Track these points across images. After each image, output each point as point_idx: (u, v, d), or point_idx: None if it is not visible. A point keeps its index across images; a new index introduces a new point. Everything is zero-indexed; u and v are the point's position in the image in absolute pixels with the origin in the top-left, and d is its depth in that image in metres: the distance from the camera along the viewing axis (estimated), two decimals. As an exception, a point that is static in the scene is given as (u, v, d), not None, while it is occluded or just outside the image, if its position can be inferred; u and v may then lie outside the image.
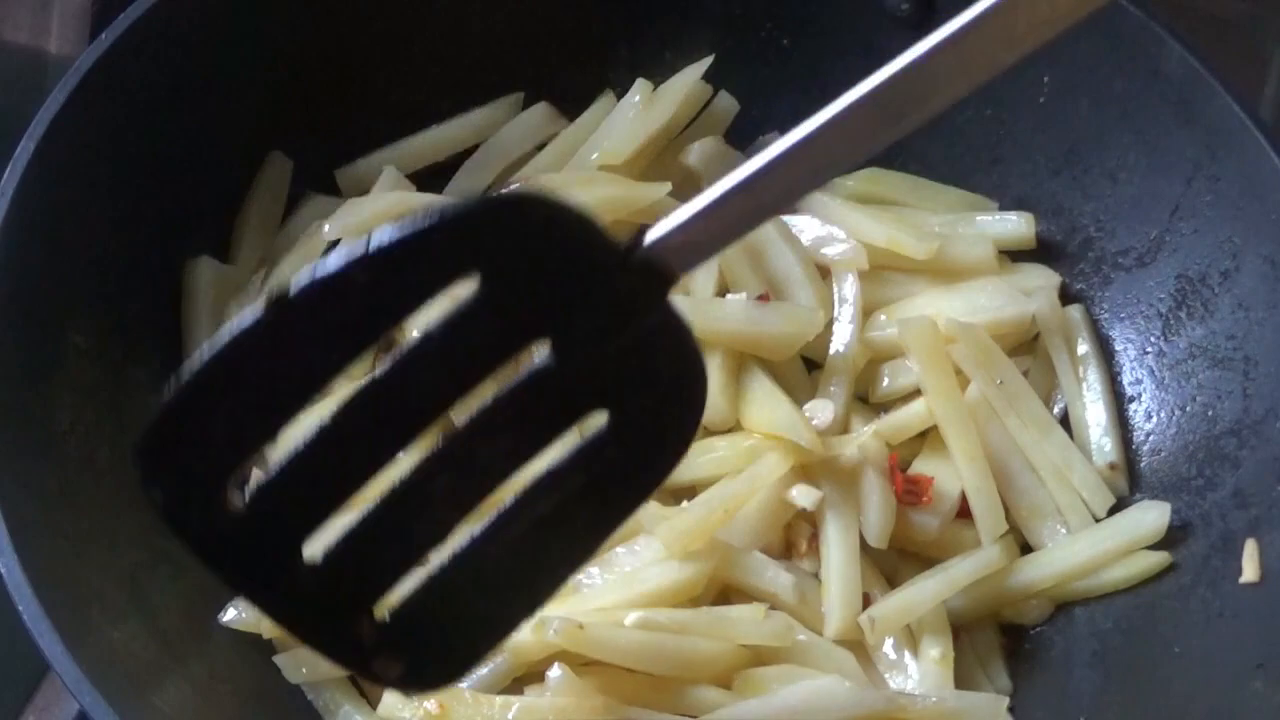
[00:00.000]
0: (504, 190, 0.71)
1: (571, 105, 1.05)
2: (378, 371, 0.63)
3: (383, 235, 0.61)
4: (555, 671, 0.83)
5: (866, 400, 0.98)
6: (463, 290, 0.63)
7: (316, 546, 0.65)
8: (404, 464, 0.64)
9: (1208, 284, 0.94)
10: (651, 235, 0.66)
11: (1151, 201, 0.97)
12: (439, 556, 0.66)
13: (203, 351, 0.62)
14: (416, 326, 0.64)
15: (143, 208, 0.92)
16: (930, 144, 1.03)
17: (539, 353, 0.66)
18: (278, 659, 0.86)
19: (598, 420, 0.67)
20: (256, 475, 0.63)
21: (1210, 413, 0.93)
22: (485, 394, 0.66)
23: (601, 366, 0.66)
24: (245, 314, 0.62)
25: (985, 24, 0.62)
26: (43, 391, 0.83)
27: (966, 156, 1.04)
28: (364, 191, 1.00)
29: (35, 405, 0.83)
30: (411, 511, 0.65)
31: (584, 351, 0.66)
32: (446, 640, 0.68)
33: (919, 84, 0.63)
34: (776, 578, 0.87)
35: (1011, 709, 0.87)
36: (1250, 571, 0.85)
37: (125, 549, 0.83)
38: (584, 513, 0.69)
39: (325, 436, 0.63)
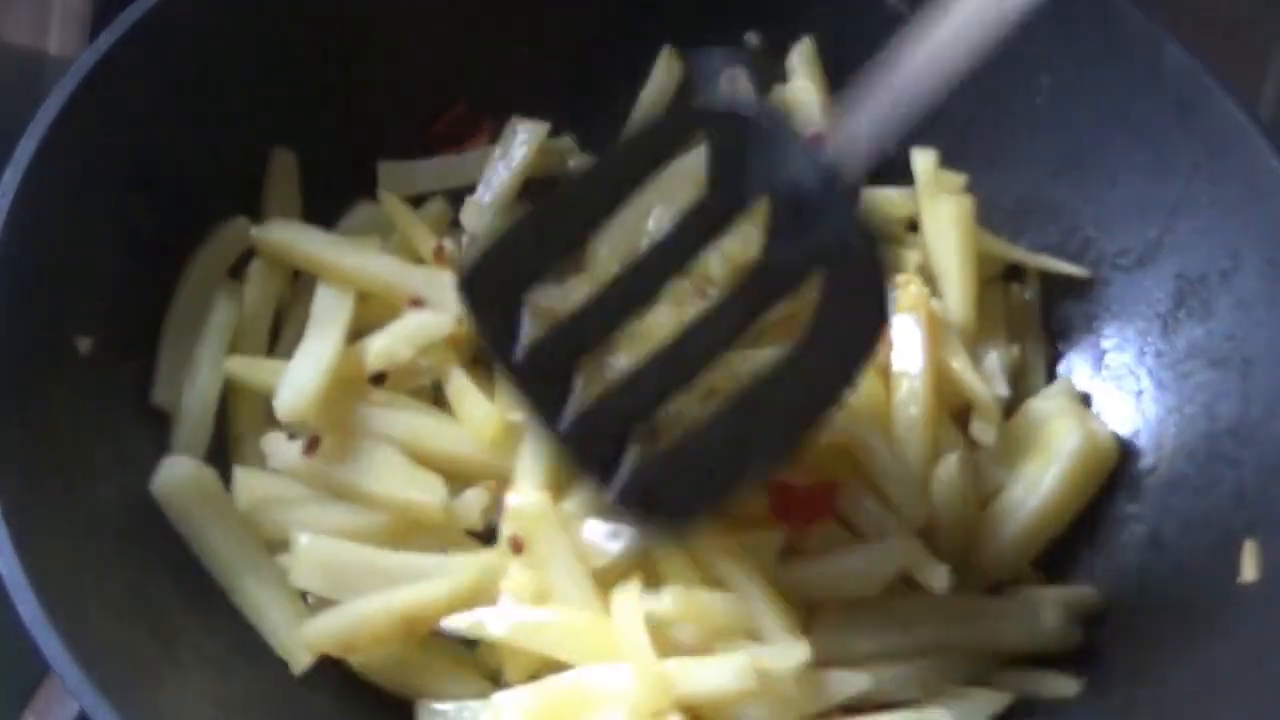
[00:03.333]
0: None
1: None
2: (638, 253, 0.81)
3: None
4: None
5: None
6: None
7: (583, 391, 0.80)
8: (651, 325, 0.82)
9: (1207, 284, 0.94)
10: (833, 142, 0.75)
11: (1151, 201, 0.97)
12: (669, 423, 0.81)
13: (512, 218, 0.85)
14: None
15: (143, 209, 0.92)
16: (929, 144, 1.03)
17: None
18: None
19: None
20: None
21: (1210, 413, 0.93)
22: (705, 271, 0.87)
23: (799, 260, 0.77)
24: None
25: None
26: (43, 391, 0.83)
27: (966, 158, 1.04)
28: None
29: (35, 405, 0.83)
30: (652, 372, 0.79)
31: (787, 240, 0.77)
32: (673, 490, 0.81)
33: None
34: None
35: (1002, 715, 0.87)
36: (1250, 571, 0.85)
37: (125, 549, 0.83)
38: (785, 406, 0.80)
39: (599, 296, 0.79)
